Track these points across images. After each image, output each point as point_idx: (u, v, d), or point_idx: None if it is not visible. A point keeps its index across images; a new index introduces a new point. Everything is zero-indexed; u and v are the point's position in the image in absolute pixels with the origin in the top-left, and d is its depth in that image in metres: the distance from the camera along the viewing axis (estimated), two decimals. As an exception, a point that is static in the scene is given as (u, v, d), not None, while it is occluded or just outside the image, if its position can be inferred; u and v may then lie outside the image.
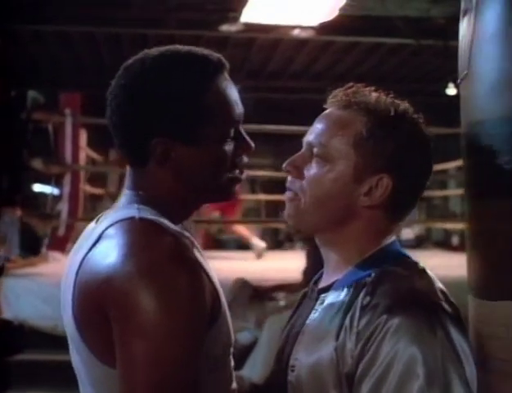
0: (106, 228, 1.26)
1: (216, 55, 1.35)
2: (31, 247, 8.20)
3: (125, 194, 1.36)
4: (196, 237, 1.42)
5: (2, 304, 5.04)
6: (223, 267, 7.62)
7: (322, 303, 1.37)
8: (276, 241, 11.61)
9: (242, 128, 1.37)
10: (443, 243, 12.21)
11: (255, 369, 4.64)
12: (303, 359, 1.33)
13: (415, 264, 1.36)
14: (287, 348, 1.42)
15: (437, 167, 10.64)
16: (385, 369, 1.17)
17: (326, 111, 1.43)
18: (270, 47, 8.89)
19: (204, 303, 1.19)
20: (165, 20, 7.67)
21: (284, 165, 1.42)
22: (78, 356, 1.29)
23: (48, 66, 9.77)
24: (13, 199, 8.33)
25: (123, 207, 1.32)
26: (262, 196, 11.09)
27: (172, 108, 1.28)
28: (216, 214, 8.50)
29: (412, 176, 1.37)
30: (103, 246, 1.23)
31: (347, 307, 1.29)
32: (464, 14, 1.33)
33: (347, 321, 1.26)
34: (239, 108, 1.36)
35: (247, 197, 11.44)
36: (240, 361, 4.96)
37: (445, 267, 7.08)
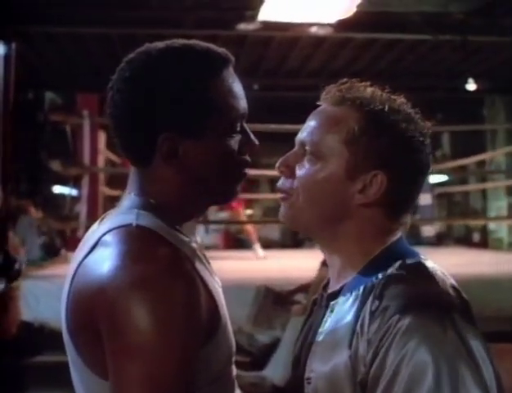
0: (104, 234, 1.21)
1: (221, 49, 1.32)
2: (50, 249, 8.24)
3: (127, 197, 1.31)
4: (195, 238, 1.37)
5: (22, 307, 5.05)
6: (243, 267, 7.65)
7: (332, 311, 1.33)
8: (296, 241, 11.60)
9: (247, 126, 1.34)
10: (464, 240, 12.17)
11: (277, 370, 4.63)
12: (319, 369, 1.29)
13: (424, 261, 1.30)
14: (302, 359, 1.38)
15: (458, 163, 10.62)
16: (394, 373, 1.13)
17: (319, 108, 1.38)
18: (287, 45, 8.87)
19: (198, 318, 1.13)
20: (182, 20, 7.65)
21: (276, 165, 1.38)
22: (72, 366, 1.25)
23: (64, 68, 9.79)
24: (32, 201, 8.38)
25: (124, 212, 1.26)
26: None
27: (180, 101, 1.24)
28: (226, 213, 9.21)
29: (408, 172, 1.32)
30: (98, 254, 1.18)
31: (356, 313, 1.25)
32: None
33: (357, 328, 1.22)
34: (244, 102, 1.33)
35: (267, 196, 11.45)
36: (262, 360, 4.96)
37: (467, 264, 7.06)
